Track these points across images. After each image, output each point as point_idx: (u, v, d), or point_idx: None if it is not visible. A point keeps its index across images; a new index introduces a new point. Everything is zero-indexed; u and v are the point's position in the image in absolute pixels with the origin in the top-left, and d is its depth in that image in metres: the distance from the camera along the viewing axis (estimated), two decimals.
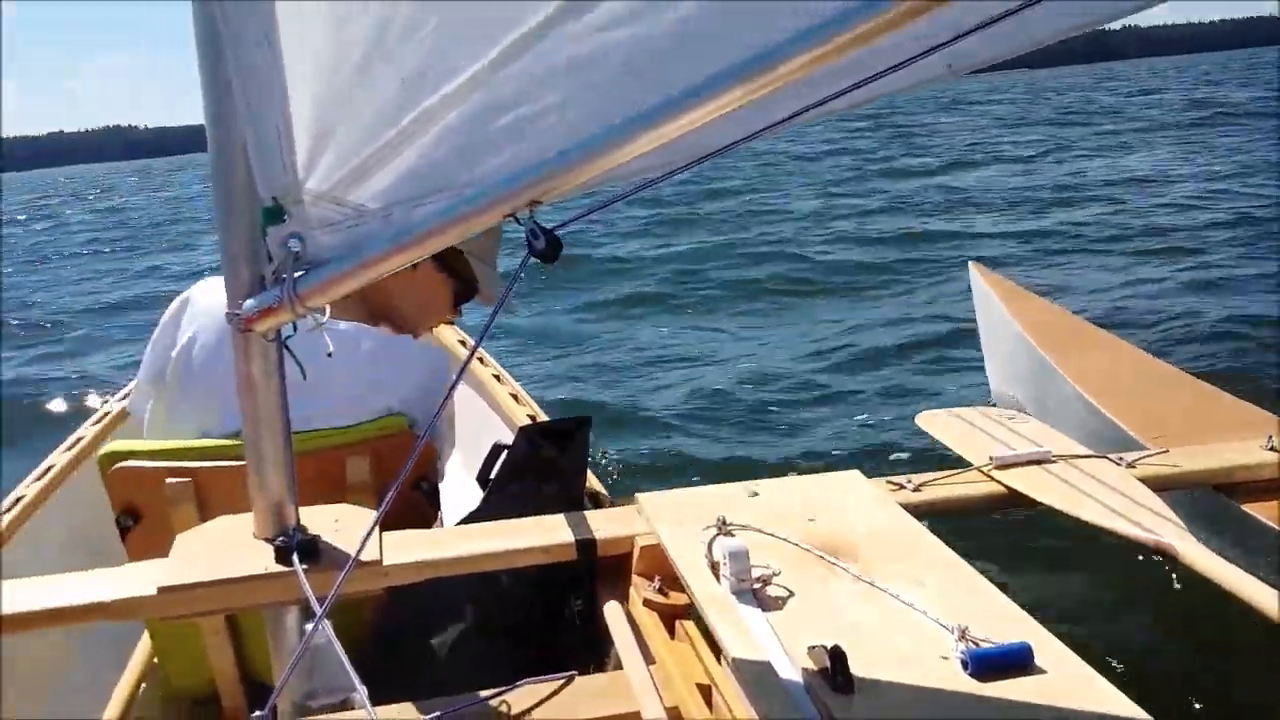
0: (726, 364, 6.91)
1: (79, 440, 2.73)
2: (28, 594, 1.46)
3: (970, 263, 4.08)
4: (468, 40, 1.04)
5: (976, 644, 1.15)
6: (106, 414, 2.95)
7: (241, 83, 1.10)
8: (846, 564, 1.37)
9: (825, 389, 6.10)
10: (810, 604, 1.29)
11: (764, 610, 1.27)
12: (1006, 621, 1.22)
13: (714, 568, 1.38)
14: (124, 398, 3.01)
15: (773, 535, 1.46)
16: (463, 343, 3.86)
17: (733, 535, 1.43)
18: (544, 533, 1.59)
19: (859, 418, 5.46)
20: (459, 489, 3.08)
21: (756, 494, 1.64)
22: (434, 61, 1.06)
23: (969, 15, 0.87)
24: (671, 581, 1.51)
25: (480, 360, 3.41)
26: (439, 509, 1.95)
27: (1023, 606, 1.26)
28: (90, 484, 2.40)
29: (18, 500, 2.35)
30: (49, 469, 2.55)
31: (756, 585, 1.31)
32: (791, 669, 1.15)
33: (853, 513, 1.55)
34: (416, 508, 1.81)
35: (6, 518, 2.24)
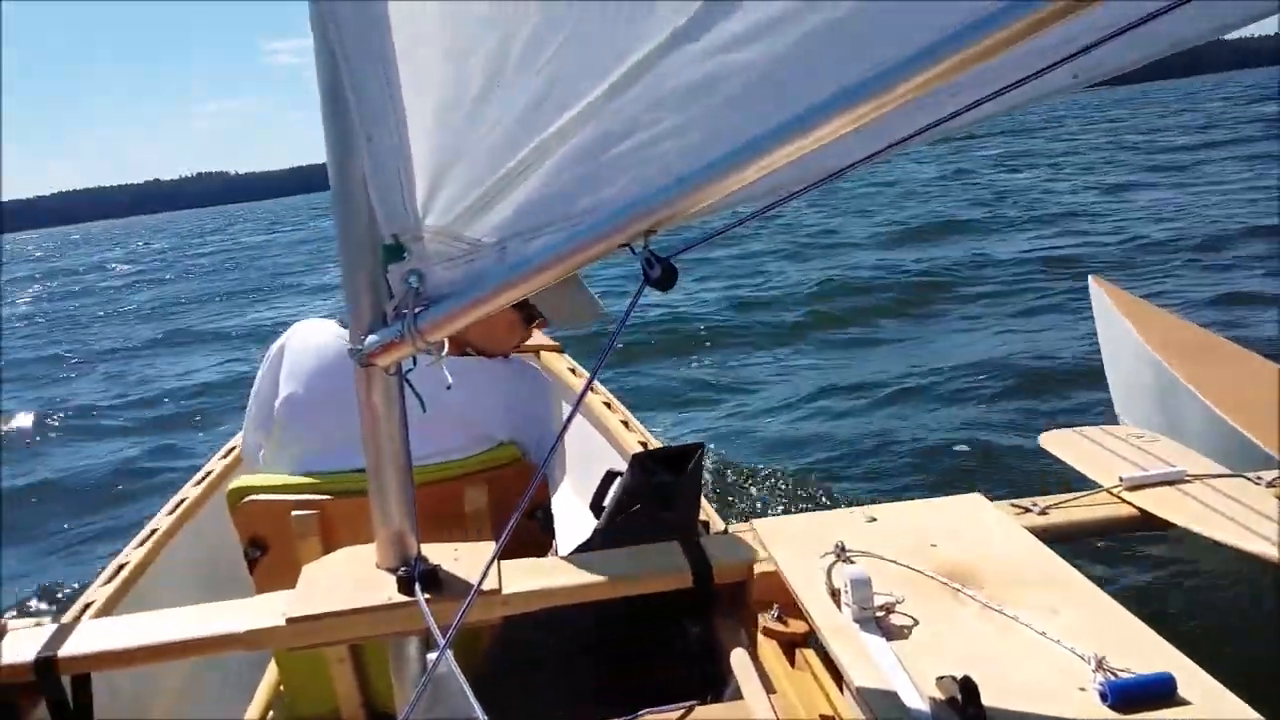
0: (832, 387, 6.82)
1: (208, 474, 2.83)
2: (162, 626, 1.51)
3: (1091, 277, 3.95)
4: (583, 70, 1.05)
5: (1115, 674, 1.10)
6: (233, 448, 3.04)
7: (361, 122, 1.13)
8: (973, 591, 1.33)
9: (936, 410, 5.96)
10: (936, 632, 1.25)
11: (888, 639, 1.24)
12: (1146, 650, 1.17)
13: (834, 595, 1.35)
14: None
15: (894, 561, 1.42)
16: (573, 370, 3.88)
17: (853, 562, 1.40)
18: (660, 560, 1.58)
19: (975, 439, 5.31)
20: (571, 516, 3.09)
21: (874, 519, 1.60)
22: (550, 93, 1.07)
23: (1102, 19, 0.84)
24: (791, 609, 1.48)
25: (607, 405, 3.40)
26: (554, 537, 1.96)
27: (1163, 634, 1.21)
28: (219, 517, 2.49)
29: (152, 533, 2.43)
30: (181, 502, 2.65)
31: (879, 613, 1.28)
32: (919, 700, 1.11)
33: (977, 537, 1.51)
34: (532, 536, 1.82)
35: (141, 550, 2.32)
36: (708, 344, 8.99)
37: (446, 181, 1.16)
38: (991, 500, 1.68)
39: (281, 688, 2.06)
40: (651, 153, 1.08)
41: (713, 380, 7.75)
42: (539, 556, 1.81)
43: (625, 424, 2.96)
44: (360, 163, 1.19)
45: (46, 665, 1.42)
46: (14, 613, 5.17)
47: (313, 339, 1.91)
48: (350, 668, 1.82)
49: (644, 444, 2.92)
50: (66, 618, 1.82)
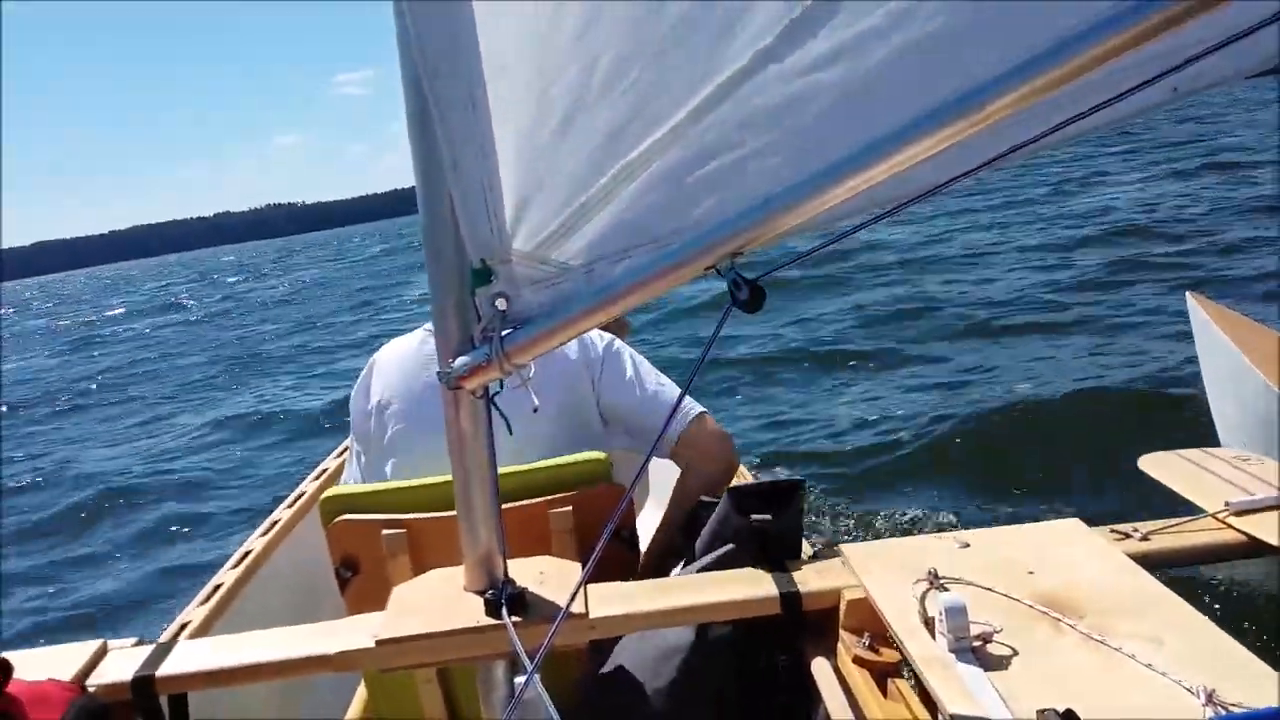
0: (918, 410, 6.70)
1: (300, 495, 2.88)
2: (256, 647, 1.54)
3: (1189, 293, 3.82)
4: (668, 91, 1.05)
5: (1226, 709, 1.05)
6: (324, 470, 3.10)
7: (449, 147, 1.14)
8: (1073, 620, 1.29)
9: (1027, 432, 5.81)
10: (1036, 664, 1.21)
11: (985, 669, 1.20)
12: (1258, 683, 1.11)
13: (928, 623, 1.31)
14: (340, 454, 3.17)
15: (989, 589, 1.38)
16: None
17: (946, 589, 1.37)
18: (748, 586, 1.55)
19: (1070, 462, 5.16)
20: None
21: (968, 545, 1.56)
22: (634, 116, 1.07)
23: (1205, 30, 0.81)
24: (881, 637, 1.45)
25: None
26: (639, 561, 1.95)
27: (1274, 666, 1.15)
28: (311, 538, 2.53)
29: (246, 554, 2.48)
30: (274, 524, 2.70)
31: (976, 643, 1.24)
32: None
33: (1076, 564, 1.46)
34: (618, 557, 1.81)
35: (235, 572, 2.37)
36: (787, 363, 8.93)
37: (532, 205, 1.16)
38: (1089, 525, 1.62)
39: (370, 709, 2.08)
40: (737, 174, 1.07)
41: (792, 401, 7.69)
42: (625, 577, 1.80)
43: None
44: (447, 189, 1.20)
45: (144, 684, 1.46)
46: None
47: (397, 349, 1.97)
48: (438, 689, 1.84)
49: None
50: (164, 637, 1.86)
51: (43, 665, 1.43)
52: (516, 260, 1.19)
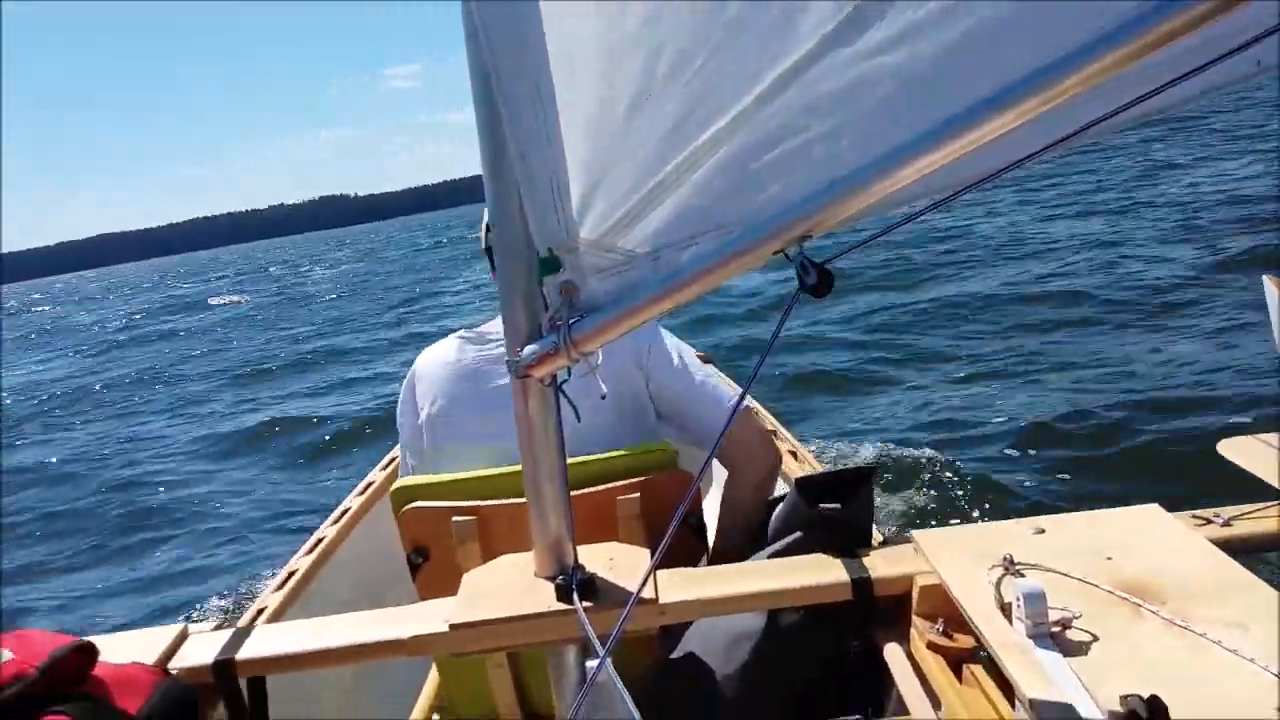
0: (989, 398, 6.61)
1: (370, 484, 2.93)
2: (332, 631, 1.57)
3: (1265, 276, 3.70)
4: (733, 78, 1.05)
5: None
6: (393, 459, 3.15)
7: (514, 138, 1.15)
8: (1154, 606, 1.26)
9: (1102, 417, 5.70)
10: (1117, 650, 1.19)
11: (1065, 655, 1.18)
12: None
13: (1004, 609, 1.30)
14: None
15: (1067, 575, 1.36)
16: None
17: (1023, 575, 1.35)
18: (819, 572, 1.55)
19: (1147, 447, 5.05)
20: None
21: (1043, 530, 1.54)
22: (699, 103, 1.07)
23: None
24: (955, 623, 1.43)
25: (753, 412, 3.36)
26: (707, 544, 1.95)
27: None
28: (380, 525, 2.57)
29: (319, 541, 2.53)
30: (345, 512, 2.75)
31: (1055, 629, 1.22)
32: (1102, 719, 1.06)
33: (1156, 550, 1.43)
34: (686, 543, 1.82)
35: (309, 559, 2.42)
36: (857, 350, 8.86)
37: (599, 194, 1.17)
38: (1169, 511, 1.59)
39: (442, 693, 2.11)
40: (803, 159, 1.07)
41: (862, 384, 7.63)
42: (693, 564, 1.80)
43: (794, 454, 2.89)
44: (515, 179, 1.21)
45: (225, 668, 1.50)
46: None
47: (437, 356, 1.97)
48: (509, 674, 1.86)
49: (793, 453, 2.88)
50: (242, 622, 1.91)
51: (127, 649, 1.48)
52: (583, 249, 1.19)
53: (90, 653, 1.27)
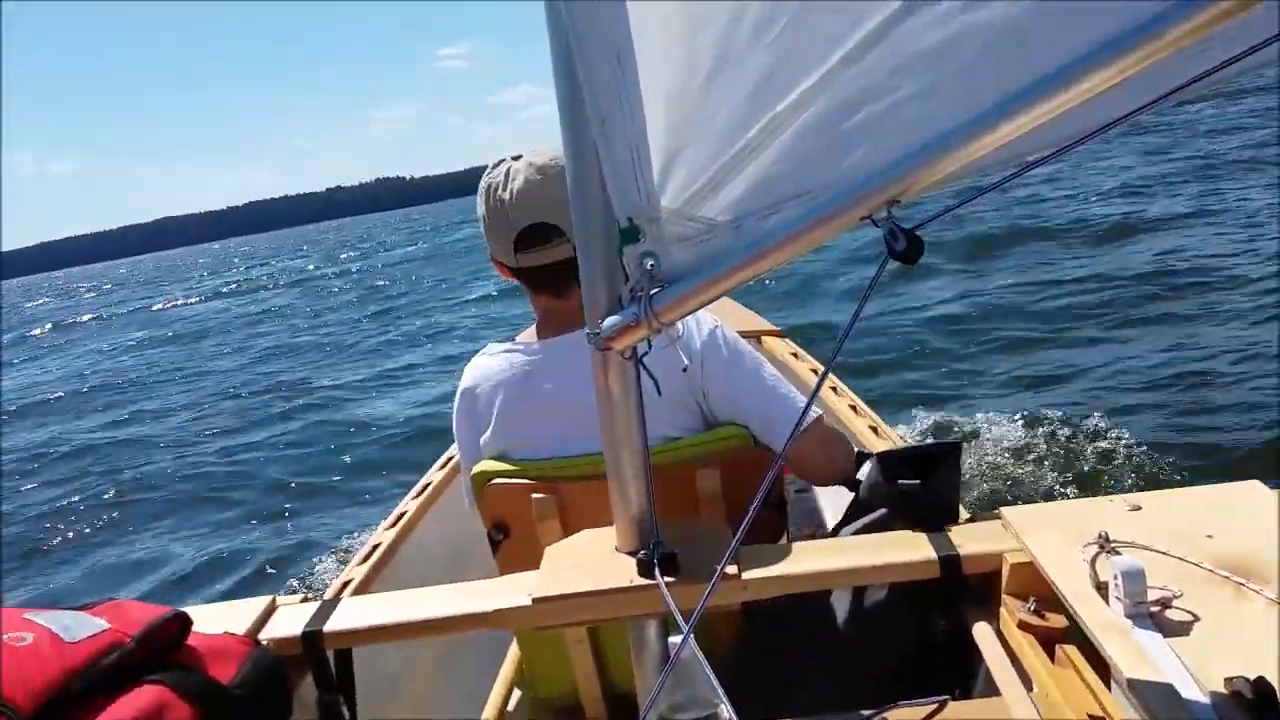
0: (1078, 374, 6.44)
1: (450, 459, 2.96)
2: (416, 604, 1.58)
3: None
4: (816, 40, 1.02)
5: None
6: (451, 457, 3.15)
7: (594, 105, 1.13)
8: (1258, 586, 1.21)
9: (1192, 395, 5.52)
10: (1221, 631, 1.14)
11: (1165, 636, 1.14)
12: None
13: (1100, 588, 1.26)
14: None
15: (1165, 553, 1.31)
16: (795, 355, 3.82)
17: (1119, 553, 1.30)
18: (906, 549, 1.51)
19: (1241, 426, 4.88)
20: (801, 499, 3.04)
21: (1139, 508, 1.48)
22: (783, 64, 1.04)
23: None
24: (1047, 602, 1.39)
25: (833, 389, 3.31)
26: (787, 521, 1.93)
27: None
28: (461, 501, 2.60)
29: (401, 515, 2.57)
30: (426, 486, 2.79)
31: (1154, 609, 1.18)
32: (1205, 701, 1.01)
33: (1258, 528, 1.37)
34: (767, 521, 1.80)
35: (391, 532, 2.45)
36: (948, 323, 8.72)
37: (680, 162, 1.15)
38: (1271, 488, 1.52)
39: (523, 668, 2.13)
40: (891, 121, 1.03)
41: (951, 365, 7.50)
42: (773, 541, 1.78)
43: (875, 430, 2.84)
44: (594, 148, 1.20)
45: (313, 639, 1.52)
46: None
47: (486, 368, 1.91)
48: (589, 650, 1.86)
49: (874, 428, 2.83)
50: (328, 594, 1.94)
51: (218, 619, 1.51)
52: (664, 218, 1.17)
53: (184, 623, 1.29)
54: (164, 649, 1.25)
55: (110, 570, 6.83)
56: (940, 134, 0.94)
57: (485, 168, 1.91)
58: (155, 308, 38.45)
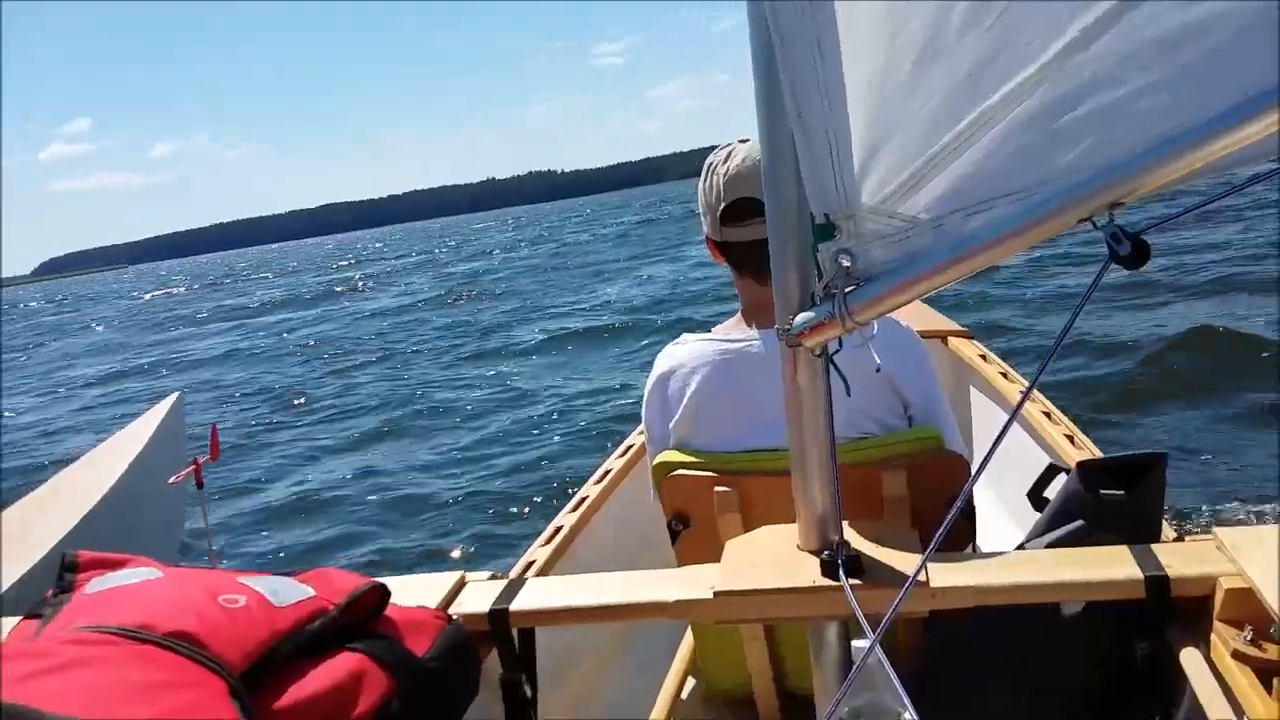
0: None
1: (629, 447, 2.99)
2: (599, 588, 1.59)
3: None
4: (1036, 27, 0.96)
5: None
6: (630, 446, 3.17)
7: (793, 96, 1.10)
8: None
9: None
10: None
11: None
12: None
13: None
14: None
15: None
16: (983, 357, 3.66)
17: None
18: (1107, 566, 1.42)
19: None
20: (987, 507, 2.93)
21: None
22: (996, 55, 0.98)
23: None
24: (1265, 632, 1.28)
25: (1005, 375, 3.17)
26: (974, 531, 1.85)
27: None
28: (638, 488, 2.62)
29: (582, 500, 2.61)
30: (606, 473, 2.81)
31: None
32: None
33: None
34: (953, 528, 1.73)
35: (573, 515, 2.49)
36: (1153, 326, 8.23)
37: (881, 156, 1.10)
38: None
39: (697, 661, 2.13)
40: (1116, 116, 0.95)
41: (1156, 375, 7.07)
42: (959, 549, 1.72)
43: (1070, 438, 2.70)
44: (791, 141, 1.17)
45: (500, 617, 1.55)
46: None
47: (682, 357, 1.91)
48: (764, 647, 1.84)
49: (1069, 436, 2.69)
50: (513, 574, 1.98)
51: (411, 592, 1.55)
52: (862, 215, 1.13)
53: (384, 594, 1.33)
54: (364, 618, 1.29)
55: (312, 541, 7.17)
56: (1179, 131, 0.87)
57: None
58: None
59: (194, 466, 2.99)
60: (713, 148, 1.98)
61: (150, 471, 4.23)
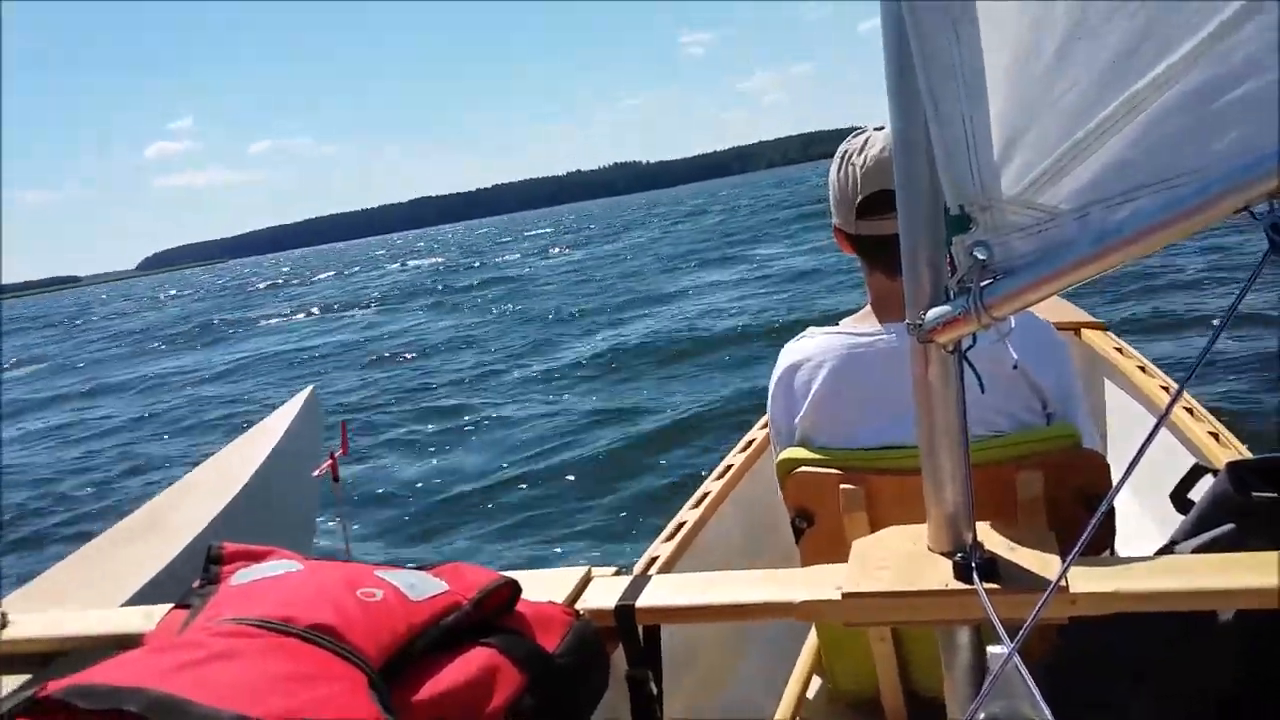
0: None
1: (750, 442, 2.96)
2: (724, 587, 1.57)
3: None
4: (1188, 8, 0.91)
5: None
6: (751, 440, 3.14)
7: (927, 82, 1.07)
8: None
9: None
10: None
11: None
12: None
13: None
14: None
15: None
16: (1120, 350, 3.52)
17: None
18: (1261, 573, 1.33)
19: None
20: (1123, 513, 2.81)
21: None
22: (1146, 35, 0.94)
23: None
24: None
25: (1164, 389, 3.03)
26: (1113, 534, 1.78)
27: None
28: (760, 484, 2.60)
29: (704, 495, 2.59)
30: (728, 469, 2.80)
31: None
32: None
33: None
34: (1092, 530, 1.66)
35: (695, 511, 2.48)
36: None
37: (1020, 144, 1.07)
38: None
39: (822, 662, 2.09)
40: (1275, 99, 0.90)
41: None
42: (1097, 553, 1.65)
43: (1215, 436, 2.57)
44: (924, 129, 1.14)
45: (627, 613, 1.54)
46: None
47: (808, 351, 1.87)
48: (892, 648, 1.80)
49: (1214, 434, 2.56)
50: (636, 570, 1.97)
51: (539, 587, 1.55)
52: (999, 206, 1.10)
53: (515, 589, 1.33)
54: (495, 613, 1.29)
55: (441, 533, 7.30)
56: None
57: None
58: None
59: (331, 461, 3.09)
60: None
61: (287, 464, 4.37)
